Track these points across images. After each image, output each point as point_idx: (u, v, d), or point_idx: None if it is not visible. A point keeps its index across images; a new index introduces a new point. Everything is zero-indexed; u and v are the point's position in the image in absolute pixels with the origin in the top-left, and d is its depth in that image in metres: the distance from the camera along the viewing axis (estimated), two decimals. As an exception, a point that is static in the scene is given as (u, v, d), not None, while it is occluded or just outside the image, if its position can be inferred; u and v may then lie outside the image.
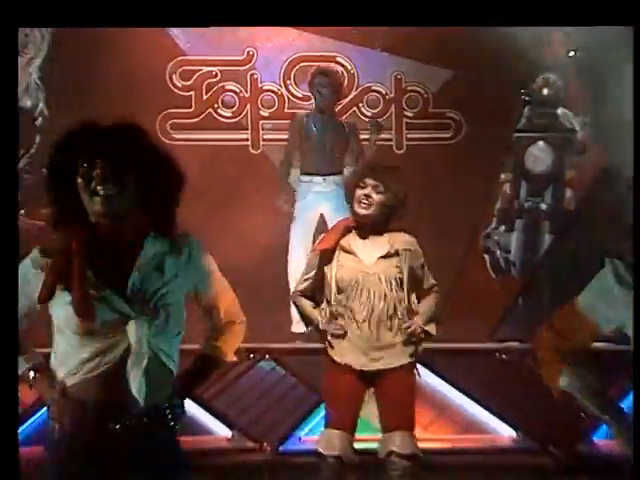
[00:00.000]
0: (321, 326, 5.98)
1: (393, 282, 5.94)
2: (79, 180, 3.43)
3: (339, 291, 5.97)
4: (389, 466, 5.95)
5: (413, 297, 6.01)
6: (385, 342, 5.94)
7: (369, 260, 5.95)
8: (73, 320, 3.42)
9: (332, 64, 9.95)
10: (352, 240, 6.02)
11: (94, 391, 3.45)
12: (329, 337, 5.99)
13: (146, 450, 3.50)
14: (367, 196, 5.90)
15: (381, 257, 5.93)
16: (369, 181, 5.92)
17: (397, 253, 5.94)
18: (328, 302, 6.03)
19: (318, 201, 9.03)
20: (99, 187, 3.41)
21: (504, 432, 7.77)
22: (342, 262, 5.98)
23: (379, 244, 5.98)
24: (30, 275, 3.52)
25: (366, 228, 5.97)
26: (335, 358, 6.00)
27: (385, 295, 5.94)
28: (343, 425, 5.97)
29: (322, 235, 6.41)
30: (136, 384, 3.46)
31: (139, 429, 3.49)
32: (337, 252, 6.01)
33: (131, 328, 3.44)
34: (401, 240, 5.98)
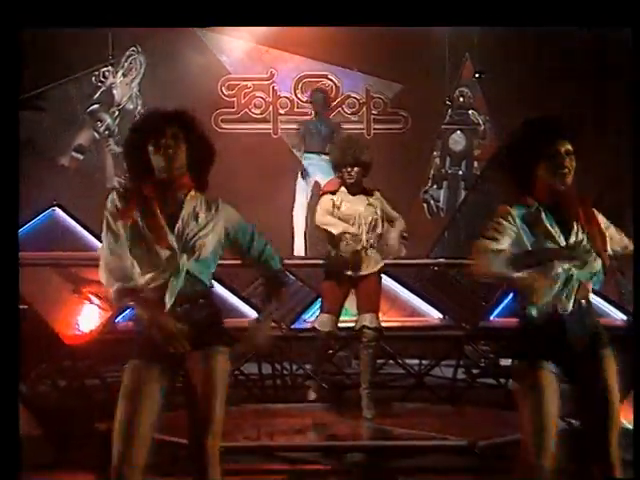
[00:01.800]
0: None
1: (374, 218, 6.07)
2: (150, 148, 3.31)
3: (344, 221, 6.08)
4: (361, 336, 6.06)
5: (385, 227, 6.14)
6: (366, 256, 6.08)
7: (361, 206, 6.09)
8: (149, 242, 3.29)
9: (325, 80, 10.10)
10: (349, 193, 6.12)
11: (154, 296, 3.30)
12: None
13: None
14: (350, 172, 6.05)
15: (367, 204, 6.10)
16: (350, 161, 6.06)
17: (373, 202, 6.11)
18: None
19: (314, 171, 8.79)
20: (164, 150, 3.29)
21: (434, 315, 7.51)
22: (346, 205, 6.08)
23: (364, 197, 6.14)
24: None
25: (355, 186, 6.11)
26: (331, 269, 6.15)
27: (369, 225, 6.06)
28: (332, 311, 6.11)
29: (326, 183, 6.48)
30: (174, 292, 3.29)
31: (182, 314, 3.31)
32: (342, 200, 6.09)
33: (178, 258, 3.29)
34: (375, 195, 6.15)
